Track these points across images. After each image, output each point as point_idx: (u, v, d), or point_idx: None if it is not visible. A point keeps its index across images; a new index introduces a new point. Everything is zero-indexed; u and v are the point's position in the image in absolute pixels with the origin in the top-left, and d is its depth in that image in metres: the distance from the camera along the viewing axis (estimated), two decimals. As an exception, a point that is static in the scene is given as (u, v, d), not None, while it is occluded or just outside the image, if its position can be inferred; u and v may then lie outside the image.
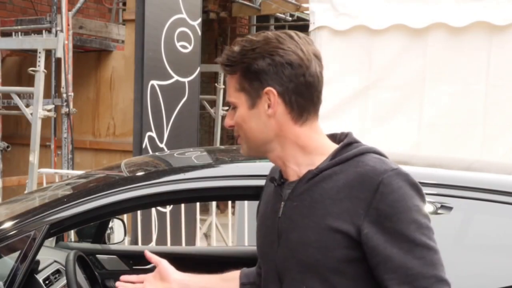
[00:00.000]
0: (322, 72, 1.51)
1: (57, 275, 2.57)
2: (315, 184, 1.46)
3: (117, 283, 1.74)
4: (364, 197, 1.39)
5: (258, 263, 1.71)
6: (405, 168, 1.48)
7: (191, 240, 5.57)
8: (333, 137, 1.56)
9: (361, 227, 1.39)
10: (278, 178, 1.57)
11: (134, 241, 5.05)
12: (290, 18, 10.98)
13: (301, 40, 1.48)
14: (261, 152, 1.55)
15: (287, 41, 1.47)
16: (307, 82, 1.47)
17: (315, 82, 1.48)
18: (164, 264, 1.73)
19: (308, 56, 1.47)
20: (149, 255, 1.77)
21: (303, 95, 1.48)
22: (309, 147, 1.50)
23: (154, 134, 5.35)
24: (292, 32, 1.50)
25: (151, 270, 3.33)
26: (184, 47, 5.70)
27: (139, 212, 4.93)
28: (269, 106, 1.47)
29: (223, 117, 9.04)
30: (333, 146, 1.52)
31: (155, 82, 5.32)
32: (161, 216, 5.34)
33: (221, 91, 8.51)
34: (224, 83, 8.98)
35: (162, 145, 5.47)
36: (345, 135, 1.54)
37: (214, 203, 6.27)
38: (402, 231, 1.37)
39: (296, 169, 1.51)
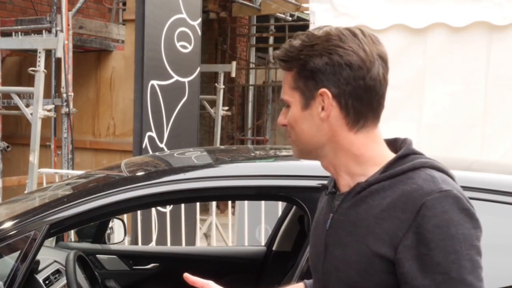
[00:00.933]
0: (387, 74, 1.38)
1: (57, 275, 2.57)
2: (362, 199, 1.36)
3: None
4: (405, 218, 1.27)
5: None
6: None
7: (191, 240, 5.57)
8: (393, 144, 1.45)
9: (397, 251, 1.27)
10: (330, 187, 1.48)
11: (134, 241, 5.05)
12: (290, 18, 10.99)
13: (365, 39, 1.35)
14: (312, 157, 1.44)
15: (349, 40, 1.34)
16: (367, 85, 1.34)
17: (376, 86, 1.35)
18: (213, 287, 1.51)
19: (370, 57, 1.34)
20: (192, 279, 1.49)
21: (361, 100, 1.35)
22: (363, 157, 1.39)
23: (154, 134, 5.35)
24: (357, 30, 1.37)
25: (151, 270, 3.34)
26: (184, 47, 5.70)
27: (139, 212, 4.93)
28: (322, 109, 1.36)
29: (223, 117, 9.07)
30: (390, 157, 1.39)
31: (155, 82, 5.32)
32: (161, 216, 5.34)
33: (221, 91, 8.51)
34: (224, 83, 9.03)
35: (162, 145, 5.47)
36: (405, 143, 1.42)
37: (214, 203, 6.27)
38: (439, 261, 1.23)
39: (348, 179, 1.41)
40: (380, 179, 1.35)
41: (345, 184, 1.41)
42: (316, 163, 1.47)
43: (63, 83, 6.22)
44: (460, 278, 1.23)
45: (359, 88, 1.35)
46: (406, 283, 1.27)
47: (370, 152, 1.39)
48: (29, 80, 6.61)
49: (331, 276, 1.40)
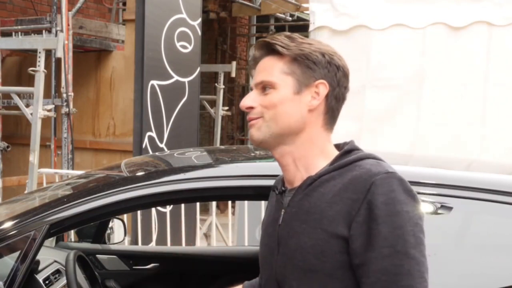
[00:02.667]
0: None
1: (57, 275, 2.57)
2: (313, 189, 1.45)
3: None
4: (356, 198, 1.37)
5: (260, 274, 1.66)
6: (404, 168, 1.48)
7: (191, 240, 5.57)
8: (338, 147, 1.56)
9: (350, 228, 1.36)
10: (280, 187, 1.56)
11: (134, 241, 5.05)
12: (290, 18, 10.98)
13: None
14: (277, 141, 1.49)
15: (338, 52, 1.51)
16: (344, 94, 1.51)
17: (345, 98, 1.53)
18: None
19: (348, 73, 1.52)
20: None
21: (338, 104, 1.51)
22: (322, 152, 1.50)
23: (154, 134, 5.35)
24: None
25: (151, 270, 3.34)
26: (184, 47, 5.70)
27: (139, 212, 4.93)
28: (312, 99, 1.47)
29: (223, 117, 9.06)
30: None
31: (155, 82, 5.32)
32: (161, 216, 5.34)
33: (221, 91, 8.51)
34: (224, 83, 9.00)
35: (162, 145, 5.47)
36: (347, 143, 1.54)
37: (214, 203, 6.27)
38: (385, 235, 1.32)
39: (304, 173, 1.49)
40: (329, 170, 1.46)
41: (300, 178, 1.50)
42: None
43: (63, 83, 6.22)
44: (404, 251, 1.32)
45: (341, 94, 1.50)
46: (356, 257, 1.35)
47: (327, 150, 1.51)
48: (29, 80, 6.61)
49: (287, 267, 1.46)
